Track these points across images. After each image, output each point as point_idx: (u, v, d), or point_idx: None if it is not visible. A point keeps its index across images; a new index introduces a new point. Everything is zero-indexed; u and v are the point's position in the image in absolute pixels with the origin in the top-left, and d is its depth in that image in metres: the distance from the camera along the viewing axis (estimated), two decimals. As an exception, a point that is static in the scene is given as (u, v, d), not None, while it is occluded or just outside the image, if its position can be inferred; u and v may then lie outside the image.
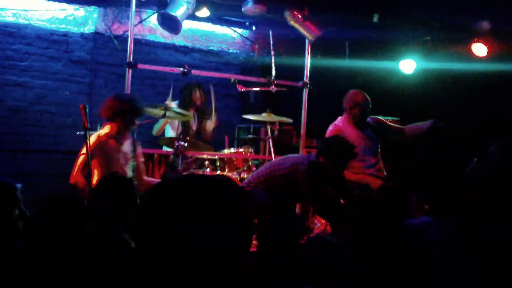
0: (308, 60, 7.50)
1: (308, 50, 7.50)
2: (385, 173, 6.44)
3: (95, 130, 6.70)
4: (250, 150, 7.17)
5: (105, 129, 5.92)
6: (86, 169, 5.69)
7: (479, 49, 8.15)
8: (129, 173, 5.94)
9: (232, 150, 7.26)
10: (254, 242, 5.34)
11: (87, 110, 5.27)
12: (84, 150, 5.71)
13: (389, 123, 6.72)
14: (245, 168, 6.96)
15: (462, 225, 4.21)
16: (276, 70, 7.20)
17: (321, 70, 8.01)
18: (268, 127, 7.26)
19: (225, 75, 8.03)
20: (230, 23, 8.92)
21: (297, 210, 7.10)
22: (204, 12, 7.43)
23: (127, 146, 5.98)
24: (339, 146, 5.56)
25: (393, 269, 3.96)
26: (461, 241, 4.09)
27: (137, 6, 6.85)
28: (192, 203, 2.02)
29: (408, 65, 8.67)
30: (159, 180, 6.23)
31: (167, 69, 7.28)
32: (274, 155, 6.93)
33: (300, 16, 7.18)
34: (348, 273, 4.25)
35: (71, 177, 5.72)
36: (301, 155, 6.59)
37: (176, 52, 8.98)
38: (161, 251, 2.03)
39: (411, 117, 6.92)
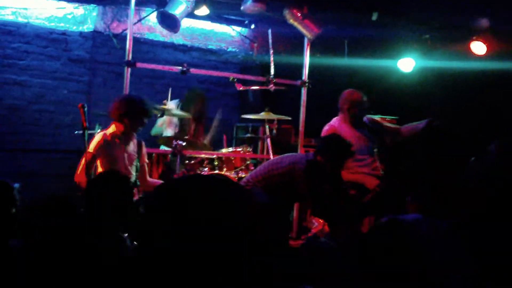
0: (307, 59, 7.49)
1: (307, 48, 7.50)
2: (382, 172, 6.43)
3: (94, 129, 6.72)
4: (248, 149, 7.16)
5: (111, 129, 5.93)
6: (91, 169, 5.72)
7: (478, 47, 8.15)
8: (133, 173, 5.95)
9: (230, 149, 7.26)
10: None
11: (86, 109, 5.27)
12: (90, 149, 5.73)
13: (385, 124, 6.71)
14: (243, 167, 6.95)
15: (459, 225, 4.21)
16: (275, 68, 7.19)
17: (320, 68, 8.00)
18: (267, 126, 7.25)
19: (223, 74, 8.02)
20: (229, 22, 8.91)
21: (295, 209, 7.12)
22: (204, 10, 7.42)
23: (132, 147, 6.00)
24: (337, 144, 5.56)
25: (392, 268, 3.95)
26: (457, 240, 4.09)
27: (136, 4, 6.83)
28: (192, 203, 2.02)
29: (407, 64, 8.68)
30: (160, 182, 6.25)
31: (166, 67, 7.28)
32: (273, 154, 6.93)
33: (299, 15, 7.17)
34: (348, 273, 4.25)
35: (75, 175, 5.73)
36: (299, 154, 6.58)
37: (175, 50, 8.98)
38: (161, 252, 2.03)
39: (410, 115, 6.91)
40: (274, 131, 7.45)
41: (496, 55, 8.09)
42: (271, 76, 7.14)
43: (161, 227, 2.01)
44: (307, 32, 7.27)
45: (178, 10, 6.75)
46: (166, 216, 2.00)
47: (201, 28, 9.05)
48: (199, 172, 6.73)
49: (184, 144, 6.39)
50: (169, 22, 6.82)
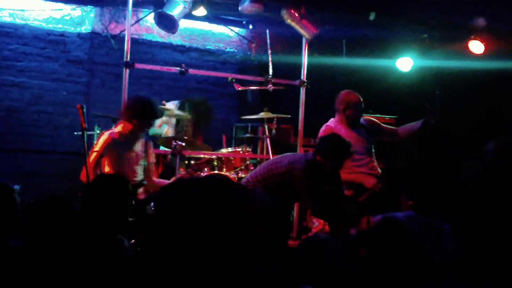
0: (305, 59, 7.49)
1: (305, 48, 7.50)
2: (380, 171, 6.42)
3: (93, 130, 6.72)
4: (247, 149, 7.16)
5: (119, 128, 5.94)
6: (98, 167, 5.72)
7: (476, 46, 8.16)
8: (140, 173, 5.96)
9: (230, 149, 7.26)
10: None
11: (85, 110, 5.27)
12: (96, 148, 5.74)
13: (383, 125, 6.70)
14: (242, 167, 6.96)
15: (456, 223, 4.22)
16: (273, 68, 7.20)
17: (318, 68, 8.01)
18: (266, 126, 7.25)
19: (222, 74, 8.03)
20: (227, 22, 8.91)
21: (295, 209, 7.12)
22: (201, 11, 7.42)
23: (139, 146, 6.01)
24: (336, 144, 5.56)
25: (389, 263, 3.96)
26: (452, 238, 4.10)
27: (133, 5, 6.84)
28: (196, 203, 2.02)
29: (405, 63, 8.68)
30: (165, 181, 6.25)
31: (164, 68, 7.28)
32: (272, 154, 6.93)
33: (297, 15, 7.17)
34: (347, 272, 4.26)
35: (81, 174, 5.74)
36: (298, 154, 6.58)
37: (173, 51, 8.98)
38: (166, 250, 2.03)
39: (409, 115, 6.92)
40: (273, 131, 7.46)
41: (494, 54, 8.10)
42: (270, 76, 7.14)
43: (167, 226, 2.01)
44: (305, 32, 7.27)
45: (175, 11, 6.76)
46: (173, 215, 2.01)
47: (199, 29, 9.05)
48: (205, 171, 6.70)
49: (183, 144, 6.39)
50: (167, 23, 6.83)
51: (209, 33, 9.15)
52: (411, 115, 6.82)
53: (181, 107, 7.85)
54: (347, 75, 8.72)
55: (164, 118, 7.72)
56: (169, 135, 7.68)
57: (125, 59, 6.63)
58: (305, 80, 7.46)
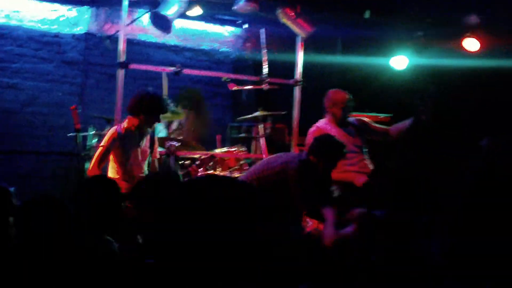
0: (300, 58, 7.50)
1: (300, 47, 7.50)
2: (371, 168, 6.41)
3: (87, 131, 6.72)
4: (242, 149, 7.16)
5: (125, 123, 5.93)
6: (103, 163, 5.71)
7: (471, 44, 8.16)
8: (145, 168, 5.96)
9: (224, 149, 7.26)
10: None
11: (80, 110, 5.28)
12: (102, 143, 5.73)
13: (374, 124, 6.71)
14: (237, 167, 6.95)
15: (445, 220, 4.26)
16: (268, 68, 7.20)
17: (313, 67, 8.01)
18: (261, 126, 7.25)
19: (217, 74, 8.03)
20: (221, 22, 8.91)
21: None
22: (196, 11, 7.42)
23: (146, 142, 6.00)
24: (329, 145, 5.56)
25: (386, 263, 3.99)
26: (439, 235, 4.15)
27: (128, 6, 6.83)
28: (210, 204, 2.02)
29: (400, 61, 8.68)
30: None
31: (159, 68, 7.28)
32: (267, 153, 6.93)
33: (292, 14, 7.18)
34: (344, 270, 4.28)
35: (88, 170, 5.74)
36: (292, 154, 6.59)
37: (168, 51, 8.98)
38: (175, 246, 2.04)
39: (404, 113, 6.91)
40: (268, 130, 7.46)
41: (489, 51, 8.10)
42: (265, 76, 7.14)
43: (176, 223, 2.01)
44: (300, 31, 7.28)
45: (170, 11, 6.76)
46: (186, 216, 2.01)
47: (194, 29, 9.04)
48: (208, 168, 6.68)
49: (177, 144, 6.39)
50: (162, 23, 6.83)
51: (204, 33, 9.15)
52: (406, 113, 6.82)
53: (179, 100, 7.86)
54: (342, 73, 8.73)
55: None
56: (163, 135, 7.68)
57: (120, 60, 6.63)
58: (300, 79, 7.46)
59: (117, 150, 5.78)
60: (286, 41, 8.25)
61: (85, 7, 8.27)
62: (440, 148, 7.40)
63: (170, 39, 8.82)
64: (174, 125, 7.61)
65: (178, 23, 8.21)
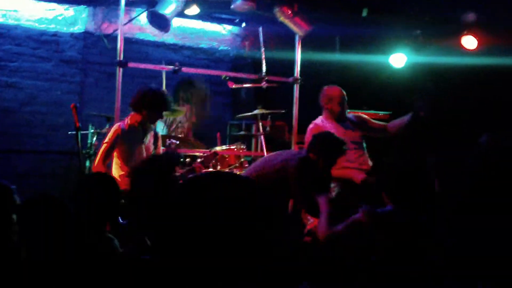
0: (298, 56, 7.50)
1: (298, 45, 7.51)
2: (370, 164, 6.40)
3: (87, 129, 6.72)
4: (242, 147, 7.17)
5: (128, 119, 5.92)
6: (108, 159, 5.71)
7: (469, 42, 8.16)
8: None
9: (224, 147, 7.27)
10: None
11: (78, 105, 5.28)
12: (106, 139, 5.73)
13: (372, 121, 6.70)
14: (237, 164, 6.96)
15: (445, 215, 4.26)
16: (266, 66, 7.21)
17: (312, 65, 8.01)
18: (260, 124, 7.26)
19: (215, 72, 8.04)
20: (219, 20, 8.92)
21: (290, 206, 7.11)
22: (194, 9, 7.42)
23: (149, 138, 6.00)
24: (329, 142, 5.56)
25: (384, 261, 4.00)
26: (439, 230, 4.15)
27: (126, 4, 6.84)
28: (216, 201, 2.03)
29: (398, 59, 8.68)
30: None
31: (157, 67, 7.29)
32: (266, 151, 6.94)
33: (289, 12, 7.18)
34: (344, 270, 4.28)
35: (93, 167, 5.73)
36: (292, 151, 6.60)
37: (167, 50, 8.98)
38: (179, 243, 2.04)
39: (403, 111, 6.92)
40: (268, 128, 7.46)
41: (487, 49, 8.11)
42: (263, 74, 7.15)
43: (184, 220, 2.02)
44: (298, 29, 7.29)
45: (168, 9, 6.76)
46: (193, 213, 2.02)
47: (192, 27, 9.04)
48: (213, 164, 6.67)
49: (177, 142, 6.39)
50: (160, 22, 6.83)
51: (202, 32, 9.15)
52: (405, 111, 6.83)
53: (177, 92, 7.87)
54: (341, 71, 8.72)
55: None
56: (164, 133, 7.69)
57: (118, 59, 6.63)
58: (299, 77, 7.47)
59: (121, 146, 5.77)
60: (284, 39, 8.25)
61: (83, 6, 8.26)
62: (439, 144, 7.41)
63: (168, 38, 8.82)
64: (174, 123, 7.62)
65: (177, 22, 8.21)
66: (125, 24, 7.04)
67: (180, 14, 7.18)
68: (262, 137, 7.17)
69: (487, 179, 4.79)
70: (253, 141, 7.99)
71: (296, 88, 7.46)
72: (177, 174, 6.17)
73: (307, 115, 7.08)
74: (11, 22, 7.92)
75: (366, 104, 8.00)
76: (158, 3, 6.80)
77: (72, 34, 8.32)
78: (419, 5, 7.68)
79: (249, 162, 7.04)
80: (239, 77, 7.75)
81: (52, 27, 8.19)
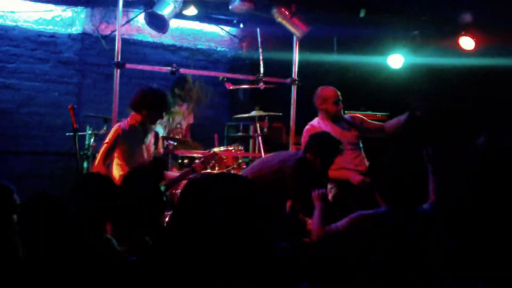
0: (296, 57, 7.50)
1: (296, 46, 7.51)
2: (367, 164, 6.39)
3: (84, 130, 6.71)
4: (240, 148, 7.17)
5: (129, 120, 5.90)
6: (108, 159, 5.70)
7: (467, 42, 8.18)
8: None
9: (222, 148, 7.26)
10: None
11: (75, 110, 5.27)
12: (107, 139, 5.72)
13: (368, 121, 6.70)
14: (235, 166, 6.96)
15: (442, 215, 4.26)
16: (264, 67, 7.21)
17: (309, 66, 8.02)
18: (258, 125, 7.26)
19: (213, 73, 8.04)
20: (217, 21, 8.93)
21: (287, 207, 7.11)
22: (192, 10, 7.43)
23: (150, 139, 5.99)
24: (326, 141, 5.56)
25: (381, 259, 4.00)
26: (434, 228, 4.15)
27: (124, 5, 6.84)
28: (218, 202, 2.03)
29: (396, 60, 8.68)
30: (177, 174, 6.23)
31: (155, 68, 7.29)
32: (264, 152, 6.94)
33: (287, 13, 7.18)
34: (344, 270, 4.28)
35: (93, 167, 5.72)
36: (289, 152, 6.60)
37: (164, 51, 8.98)
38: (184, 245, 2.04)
39: (400, 112, 6.92)
40: (265, 129, 7.47)
41: (485, 50, 8.12)
42: (261, 75, 7.15)
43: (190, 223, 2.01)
44: (296, 30, 7.28)
45: (166, 10, 6.76)
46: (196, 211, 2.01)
47: (190, 28, 9.05)
48: (213, 163, 6.67)
49: (175, 144, 6.39)
50: (157, 23, 6.83)
51: (200, 33, 9.16)
52: (403, 112, 6.83)
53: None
54: (339, 72, 8.73)
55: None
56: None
57: (116, 60, 6.62)
58: (297, 78, 7.46)
59: (121, 146, 5.74)
60: (282, 40, 8.26)
61: (80, 7, 8.27)
62: (435, 144, 7.41)
63: (166, 39, 8.83)
64: (173, 124, 7.62)
65: (174, 23, 8.21)
66: (123, 25, 7.05)
67: (178, 15, 7.19)
68: (259, 138, 7.17)
69: (484, 179, 4.79)
70: (251, 142, 7.99)
71: (294, 89, 7.46)
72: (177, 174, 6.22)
73: (304, 116, 7.09)
74: (8, 23, 7.92)
75: (364, 105, 8.01)
76: (156, 4, 6.80)
77: (69, 35, 8.33)
78: (416, 6, 7.69)
79: (247, 163, 7.04)
80: (236, 78, 7.75)
81: (49, 28, 8.19)
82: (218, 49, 9.37)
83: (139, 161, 5.76)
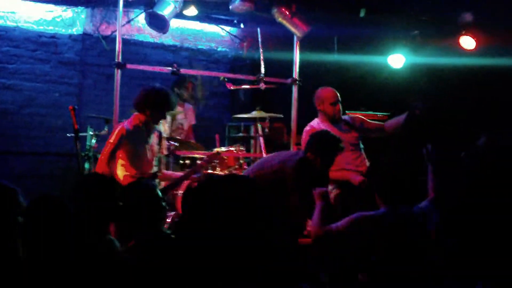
0: (297, 57, 7.50)
1: (296, 46, 7.50)
2: (367, 166, 6.39)
3: (85, 131, 6.72)
4: (241, 148, 7.17)
5: (132, 120, 5.88)
6: (112, 160, 5.69)
7: (467, 42, 8.17)
8: (155, 164, 5.93)
9: (223, 148, 7.26)
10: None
11: (76, 111, 5.27)
12: (110, 139, 5.71)
13: (368, 121, 6.70)
14: (236, 166, 6.96)
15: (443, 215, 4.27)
16: (265, 67, 7.21)
17: (310, 66, 8.01)
18: (259, 125, 7.25)
19: (214, 74, 8.04)
20: (218, 21, 8.93)
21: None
22: (192, 10, 7.44)
23: (153, 138, 5.98)
24: (326, 140, 5.56)
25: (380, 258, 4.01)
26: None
27: (124, 6, 6.84)
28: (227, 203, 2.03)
29: (397, 60, 8.68)
30: (180, 174, 6.23)
31: (156, 68, 7.29)
32: (265, 152, 6.94)
33: (288, 13, 7.18)
34: (344, 270, 4.29)
35: (96, 167, 5.72)
36: (290, 152, 6.59)
37: (165, 51, 8.99)
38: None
39: (401, 111, 6.92)
40: (266, 130, 7.46)
41: (485, 49, 8.12)
42: (262, 75, 7.15)
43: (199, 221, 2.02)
44: (296, 30, 7.28)
45: (166, 10, 6.76)
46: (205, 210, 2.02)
47: (191, 28, 9.06)
48: (215, 163, 6.66)
49: (177, 144, 6.39)
50: (158, 23, 6.83)
51: (201, 33, 9.17)
52: (404, 111, 6.83)
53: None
54: (339, 72, 8.73)
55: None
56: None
57: (116, 60, 6.63)
58: (297, 78, 7.46)
59: (125, 146, 5.72)
60: (282, 40, 8.26)
61: (81, 8, 8.27)
62: (435, 144, 7.40)
63: (167, 39, 8.84)
64: (174, 125, 7.62)
65: (175, 23, 8.22)
66: (124, 25, 7.06)
67: (179, 15, 7.19)
68: (261, 138, 7.17)
69: (484, 179, 4.79)
70: (252, 142, 7.98)
71: (295, 89, 7.45)
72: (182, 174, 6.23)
73: (305, 116, 7.09)
74: (9, 24, 7.92)
75: (364, 105, 8.01)
76: (156, 4, 6.80)
77: (70, 36, 8.33)
78: (417, 6, 7.69)
79: (248, 164, 7.03)
80: (237, 78, 7.75)
81: (50, 29, 8.19)
82: (219, 49, 9.37)
83: (143, 161, 5.76)
